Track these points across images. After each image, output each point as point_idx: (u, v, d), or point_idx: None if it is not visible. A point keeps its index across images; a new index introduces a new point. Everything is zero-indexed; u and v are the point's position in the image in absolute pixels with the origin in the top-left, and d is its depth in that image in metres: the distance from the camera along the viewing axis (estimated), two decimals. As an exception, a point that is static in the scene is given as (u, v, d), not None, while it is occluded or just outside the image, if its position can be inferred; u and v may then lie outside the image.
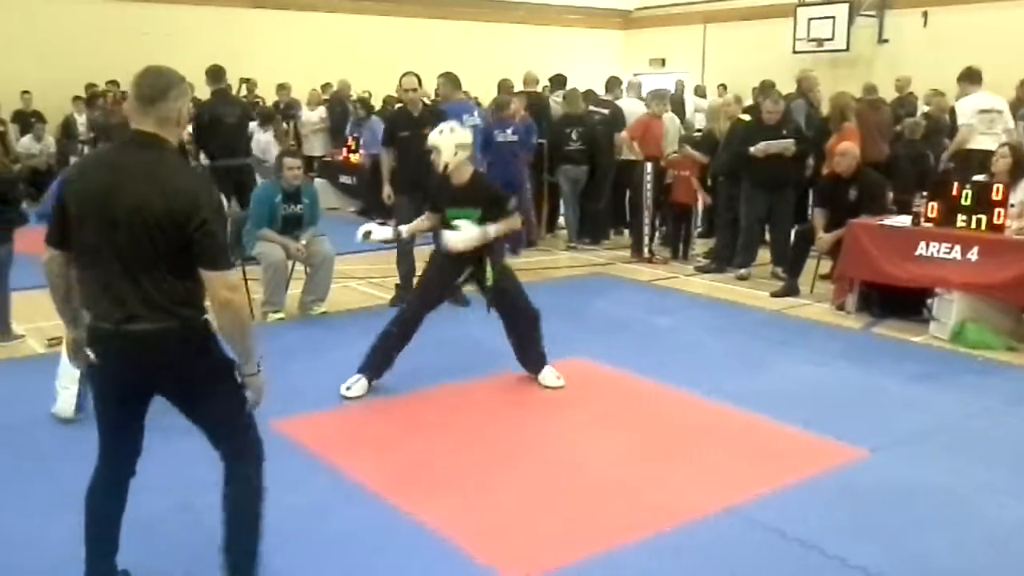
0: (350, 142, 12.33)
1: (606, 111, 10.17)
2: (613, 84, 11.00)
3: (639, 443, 4.55)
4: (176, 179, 2.57)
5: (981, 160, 7.88)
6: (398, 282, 7.22)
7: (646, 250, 9.23)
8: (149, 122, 2.59)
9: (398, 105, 9.12)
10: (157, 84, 2.62)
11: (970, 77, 8.89)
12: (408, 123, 7.07)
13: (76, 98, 13.86)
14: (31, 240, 8.51)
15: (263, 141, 10.99)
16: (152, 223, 2.50)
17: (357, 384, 5.03)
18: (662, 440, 4.62)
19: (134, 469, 2.88)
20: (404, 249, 7.01)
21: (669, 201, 9.29)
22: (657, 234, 9.53)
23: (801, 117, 9.22)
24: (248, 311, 2.78)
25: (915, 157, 8.94)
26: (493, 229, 5.07)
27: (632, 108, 10.09)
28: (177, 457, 3.61)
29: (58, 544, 3.24)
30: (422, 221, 5.45)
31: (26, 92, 13.87)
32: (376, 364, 5.07)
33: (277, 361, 4.21)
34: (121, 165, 2.58)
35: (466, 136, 5.17)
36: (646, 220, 9.18)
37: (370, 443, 4.49)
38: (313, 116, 13.69)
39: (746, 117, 8.79)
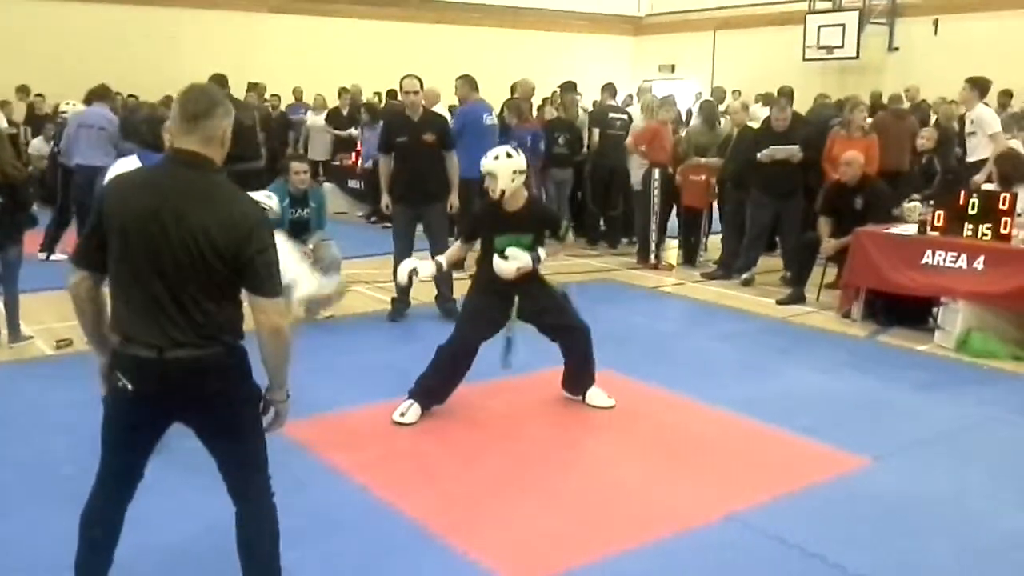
0: (359, 146, 12.39)
1: (625, 116, 10.26)
2: (612, 91, 11.01)
3: (642, 449, 4.56)
4: (233, 205, 2.50)
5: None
6: (395, 295, 6.99)
7: (652, 256, 9.24)
8: (193, 140, 2.51)
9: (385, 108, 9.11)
10: (202, 102, 2.54)
11: (982, 88, 8.82)
12: (406, 128, 6.83)
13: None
14: (40, 242, 8.62)
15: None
16: (207, 249, 2.42)
17: (411, 410, 4.80)
18: (665, 446, 4.63)
19: (133, 494, 2.76)
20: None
21: (681, 206, 9.31)
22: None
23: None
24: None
25: (923, 165, 8.92)
26: (543, 253, 4.92)
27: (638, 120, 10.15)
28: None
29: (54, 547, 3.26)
30: (457, 250, 5.17)
31: (39, 95, 13.98)
32: (427, 391, 4.83)
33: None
34: (169, 186, 2.48)
35: (522, 162, 4.88)
36: (652, 226, 9.20)
37: (376, 448, 4.51)
38: (318, 121, 13.75)
39: (754, 124, 8.80)
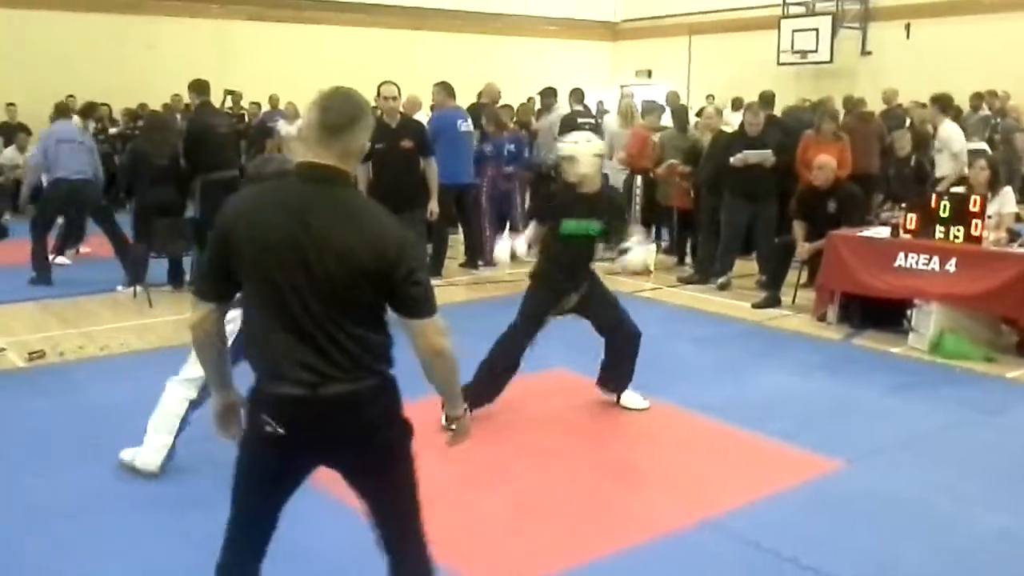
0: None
1: (592, 120, 10.31)
2: (579, 96, 10.99)
3: (617, 454, 4.57)
4: (380, 224, 2.28)
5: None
6: None
7: None
8: (332, 154, 2.27)
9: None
10: (345, 111, 2.30)
11: (943, 104, 9.10)
12: (384, 135, 6.80)
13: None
14: (12, 253, 8.54)
15: None
16: (357, 272, 2.21)
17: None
18: (640, 451, 4.64)
19: (268, 544, 2.49)
20: None
21: (668, 207, 9.35)
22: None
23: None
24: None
25: (913, 168, 8.99)
26: (629, 252, 4.98)
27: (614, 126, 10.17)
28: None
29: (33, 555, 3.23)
30: (535, 231, 5.04)
31: (11, 104, 13.87)
32: (479, 393, 4.73)
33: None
34: (307, 207, 2.23)
35: (602, 146, 5.01)
36: None
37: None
38: (292, 129, 13.67)
39: (728, 129, 8.86)
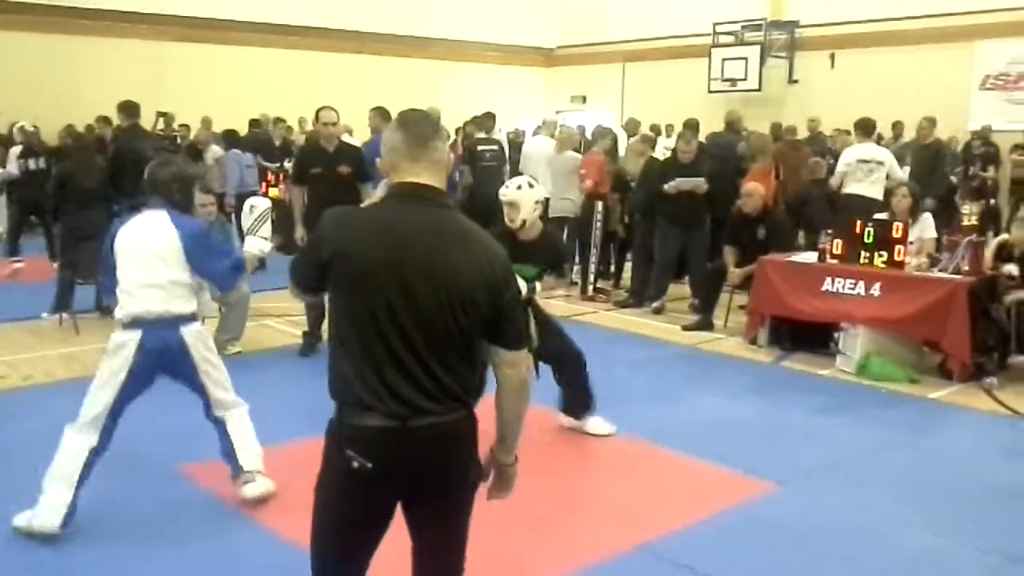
0: (269, 176, 12.18)
1: (495, 147, 10.47)
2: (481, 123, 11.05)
3: (551, 479, 4.57)
4: (485, 245, 2.21)
5: (865, 206, 8.34)
6: (306, 330, 6.90)
7: (591, 288, 9.22)
8: (424, 170, 2.20)
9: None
10: (427, 123, 2.26)
11: (864, 128, 9.42)
12: (322, 159, 6.75)
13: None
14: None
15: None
16: (464, 298, 2.13)
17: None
18: (574, 476, 4.66)
19: None
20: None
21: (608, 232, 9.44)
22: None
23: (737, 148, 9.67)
24: None
25: (829, 195, 9.27)
26: (539, 286, 4.93)
27: (541, 147, 10.24)
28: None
29: None
30: None
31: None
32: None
33: (185, 402, 4.13)
34: (410, 231, 2.14)
35: (542, 192, 4.97)
36: (592, 259, 9.17)
37: (288, 486, 4.41)
38: (208, 157, 13.43)
39: (659, 156, 9.03)
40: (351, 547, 2.29)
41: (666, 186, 8.16)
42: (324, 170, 6.68)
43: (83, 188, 7.72)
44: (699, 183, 8.14)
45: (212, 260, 3.96)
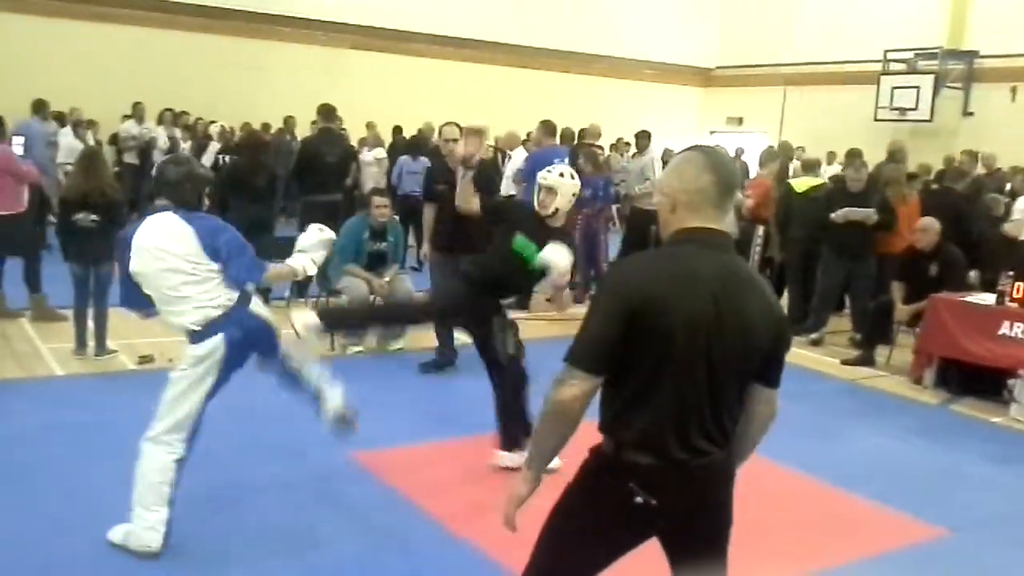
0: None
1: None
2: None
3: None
4: (770, 295, 2.26)
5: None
6: (438, 345, 6.60)
7: None
8: (721, 216, 2.20)
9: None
10: (734, 169, 2.26)
11: None
12: (445, 175, 6.41)
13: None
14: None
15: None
16: (762, 344, 2.20)
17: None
18: (739, 503, 4.60)
19: None
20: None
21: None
22: None
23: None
24: None
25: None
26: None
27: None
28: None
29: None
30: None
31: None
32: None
33: (359, 392, 4.32)
34: (717, 280, 2.15)
35: (579, 186, 4.89)
36: None
37: (439, 477, 4.57)
38: (368, 156, 13.94)
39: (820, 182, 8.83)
40: (594, 566, 2.32)
41: (834, 215, 7.96)
42: (450, 188, 6.18)
43: (252, 185, 7.89)
44: (869, 214, 7.89)
45: (232, 253, 3.64)
